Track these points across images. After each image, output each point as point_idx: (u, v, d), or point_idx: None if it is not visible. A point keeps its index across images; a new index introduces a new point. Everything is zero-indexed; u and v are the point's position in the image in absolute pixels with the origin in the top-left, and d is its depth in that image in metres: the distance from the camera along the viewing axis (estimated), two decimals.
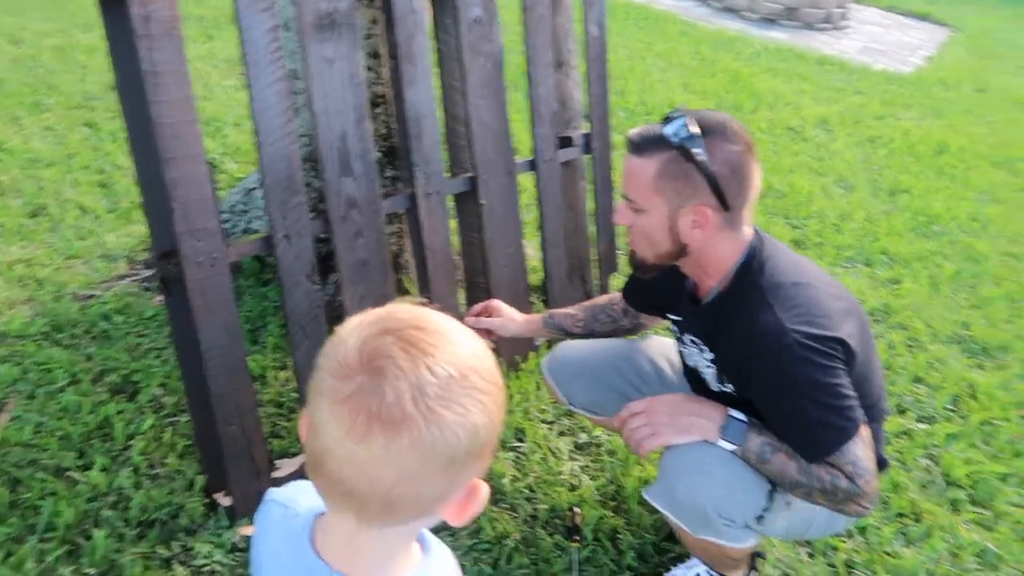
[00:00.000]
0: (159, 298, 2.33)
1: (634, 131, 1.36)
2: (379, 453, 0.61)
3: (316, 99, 1.74)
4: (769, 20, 7.13)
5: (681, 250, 1.38)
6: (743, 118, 4.47)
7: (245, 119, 3.58)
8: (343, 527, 0.69)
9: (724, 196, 1.30)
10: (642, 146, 1.32)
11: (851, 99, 5.14)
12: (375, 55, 2.15)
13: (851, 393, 1.29)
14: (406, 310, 0.67)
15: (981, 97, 5.65)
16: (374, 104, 2.18)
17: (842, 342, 1.29)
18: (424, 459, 0.62)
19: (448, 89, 2.14)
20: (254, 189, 2.50)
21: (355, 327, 0.66)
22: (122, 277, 2.42)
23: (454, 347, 0.65)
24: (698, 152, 1.27)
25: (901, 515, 1.95)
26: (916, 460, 2.14)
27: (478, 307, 1.79)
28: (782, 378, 1.29)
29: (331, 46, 1.75)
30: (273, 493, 0.83)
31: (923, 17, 8.28)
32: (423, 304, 0.69)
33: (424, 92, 1.94)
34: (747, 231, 1.38)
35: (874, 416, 1.43)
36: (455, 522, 0.70)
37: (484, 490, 0.70)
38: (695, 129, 1.27)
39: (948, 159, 4.35)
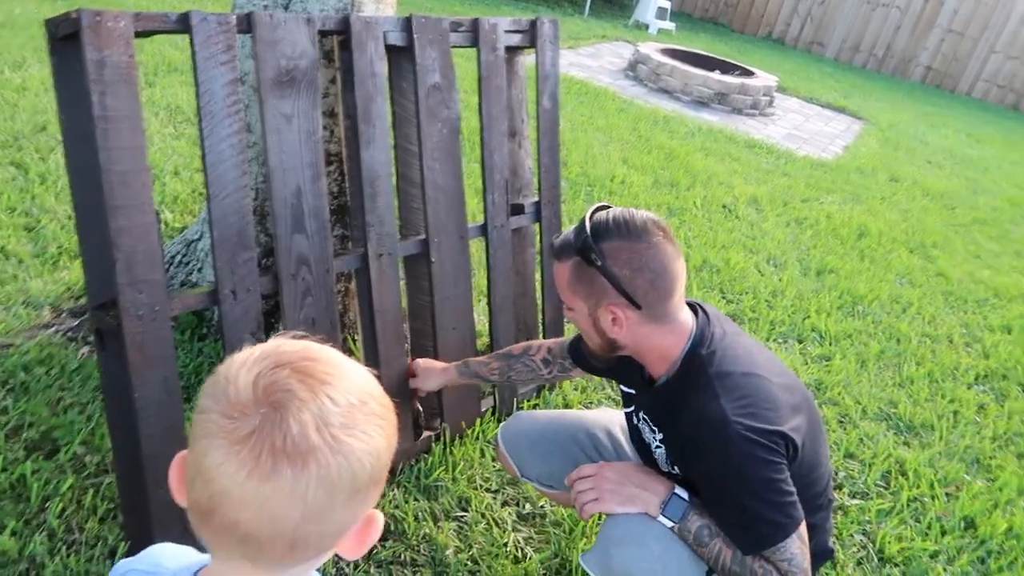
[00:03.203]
0: (85, 350, 2.21)
1: (555, 237, 1.43)
2: (286, 489, 0.60)
3: (272, 154, 1.71)
4: (701, 103, 7.47)
5: (612, 345, 1.41)
6: (680, 194, 4.62)
7: (184, 168, 3.49)
8: (234, 574, 0.67)
9: (630, 296, 1.32)
10: (559, 252, 1.39)
11: (779, 181, 5.39)
12: (331, 114, 2.15)
13: (791, 489, 1.29)
14: (292, 343, 0.67)
15: (895, 186, 6.00)
16: (327, 162, 2.16)
17: (785, 436, 1.29)
18: (330, 491, 0.61)
19: (403, 152, 2.14)
20: (195, 241, 2.42)
21: (241, 364, 0.64)
22: (46, 326, 2.29)
23: (350, 375, 0.65)
24: (594, 257, 1.31)
25: None
26: (851, 536, 2.17)
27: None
28: (723, 468, 1.29)
29: (290, 103, 1.74)
30: (127, 563, 0.79)
31: (840, 109, 8.82)
32: (304, 337, 0.68)
33: (380, 153, 1.94)
34: (684, 319, 1.39)
35: (822, 504, 1.45)
36: (352, 555, 0.69)
37: (380, 519, 0.69)
38: (591, 235, 1.31)
39: (869, 243, 4.58)
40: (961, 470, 2.59)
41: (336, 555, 0.69)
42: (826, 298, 3.69)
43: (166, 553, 0.79)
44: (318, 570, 0.76)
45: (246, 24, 1.65)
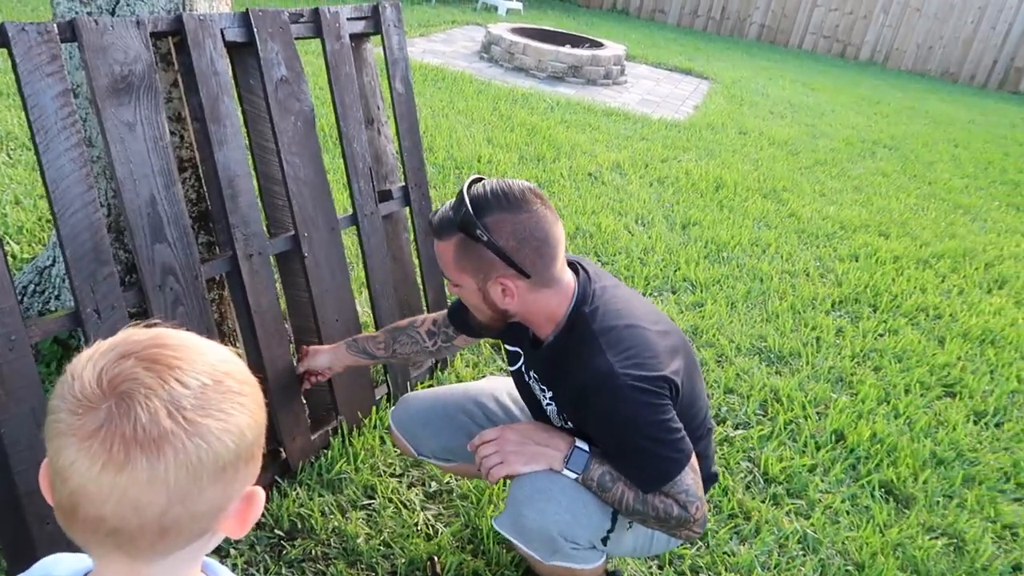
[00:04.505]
0: None
1: (433, 215, 1.42)
2: (144, 478, 0.59)
3: (119, 165, 1.64)
4: (556, 78, 7.63)
5: (504, 315, 1.45)
6: (546, 167, 4.73)
7: (25, 196, 3.27)
8: (116, 571, 0.66)
9: (519, 266, 1.35)
10: (439, 230, 1.39)
11: (638, 145, 5.60)
12: (179, 118, 2.07)
13: (679, 426, 1.38)
14: (142, 332, 0.65)
15: (744, 139, 6.37)
16: (181, 169, 2.09)
17: (668, 380, 1.37)
18: (193, 473, 0.60)
19: (259, 150, 2.09)
20: (48, 267, 2.28)
21: (87, 360, 0.62)
22: None
23: (201, 356, 0.64)
24: (480, 233, 1.32)
25: (732, 516, 2.11)
26: (738, 463, 2.32)
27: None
28: (616, 417, 1.36)
29: (131, 110, 1.67)
30: None
31: (687, 72, 9.24)
32: (157, 325, 0.67)
33: (235, 152, 1.89)
34: (567, 279, 1.43)
35: (702, 434, 1.55)
36: (236, 533, 0.69)
37: (260, 495, 0.69)
38: (472, 211, 1.32)
39: (726, 193, 4.85)
40: (827, 389, 2.81)
41: (241, 562, 0.69)
42: (693, 249, 3.89)
43: (60, 562, 0.76)
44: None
45: (70, 32, 1.57)
